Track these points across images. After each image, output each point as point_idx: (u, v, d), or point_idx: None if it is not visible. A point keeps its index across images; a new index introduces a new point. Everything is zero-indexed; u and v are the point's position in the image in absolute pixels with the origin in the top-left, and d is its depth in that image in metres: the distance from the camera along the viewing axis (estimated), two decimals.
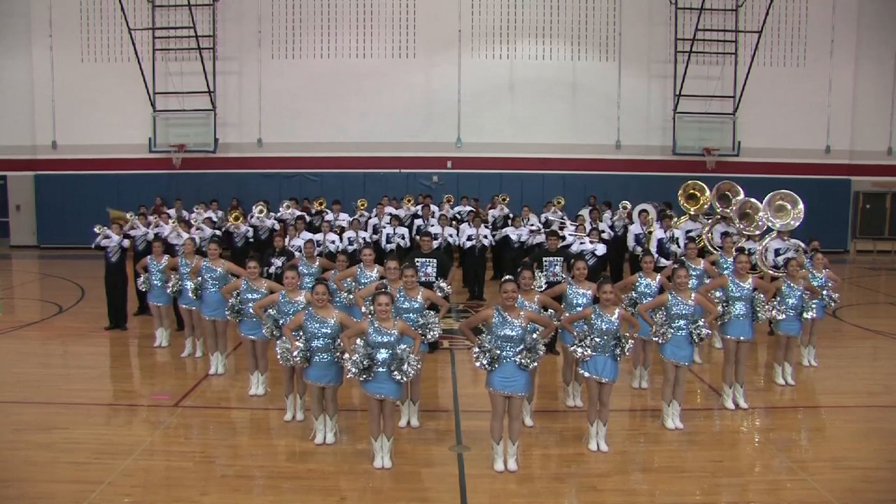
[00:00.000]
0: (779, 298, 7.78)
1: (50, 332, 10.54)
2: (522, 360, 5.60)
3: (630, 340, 6.15)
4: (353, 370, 5.60)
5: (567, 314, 6.76)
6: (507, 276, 5.92)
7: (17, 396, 7.50)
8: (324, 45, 19.04)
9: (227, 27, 18.94)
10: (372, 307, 5.97)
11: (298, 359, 6.03)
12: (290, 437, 6.47)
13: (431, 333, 6.54)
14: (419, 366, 5.86)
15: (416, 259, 7.91)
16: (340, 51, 19.00)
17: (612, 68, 19.13)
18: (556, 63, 19.05)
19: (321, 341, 5.99)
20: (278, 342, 6.28)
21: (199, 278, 8.38)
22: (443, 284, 7.47)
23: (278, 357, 6.18)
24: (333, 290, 7.28)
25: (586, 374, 6.13)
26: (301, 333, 6.08)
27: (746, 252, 7.83)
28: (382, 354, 5.65)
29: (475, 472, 5.76)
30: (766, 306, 7.41)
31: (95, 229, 10.22)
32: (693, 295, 6.66)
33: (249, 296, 7.31)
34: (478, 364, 5.66)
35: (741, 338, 7.30)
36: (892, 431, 6.78)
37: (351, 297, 7.56)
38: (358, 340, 5.75)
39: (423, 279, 7.72)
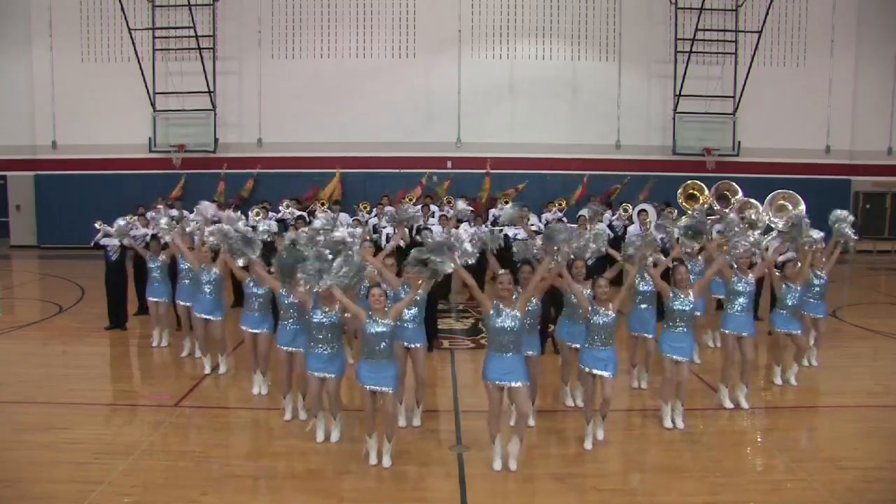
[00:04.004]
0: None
1: (50, 332, 10.54)
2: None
3: None
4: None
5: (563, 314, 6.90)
6: (503, 270, 5.88)
7: (18, 396, 7.49)
8: (324, 45, 19.02)
9: (227, 27, 18.91)
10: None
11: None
12: (290, 437, 6.46)
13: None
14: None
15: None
16: (340, 51, 18.98)
17: (612, 68, 19.10)
18: (556, 63, 19.02)
19: (324, 331, 6.01)
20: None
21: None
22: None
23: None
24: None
25: (586, 369, 6.15)
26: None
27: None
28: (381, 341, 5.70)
29: (475, 472, 5.75)
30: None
31: (96, 225, 10.24)
32: (692, 291, 6.68)
33: (255, 290, 7.33)
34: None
35: (743, 333, 7.24)
36: (892, 431, 6.78)
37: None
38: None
39: None
